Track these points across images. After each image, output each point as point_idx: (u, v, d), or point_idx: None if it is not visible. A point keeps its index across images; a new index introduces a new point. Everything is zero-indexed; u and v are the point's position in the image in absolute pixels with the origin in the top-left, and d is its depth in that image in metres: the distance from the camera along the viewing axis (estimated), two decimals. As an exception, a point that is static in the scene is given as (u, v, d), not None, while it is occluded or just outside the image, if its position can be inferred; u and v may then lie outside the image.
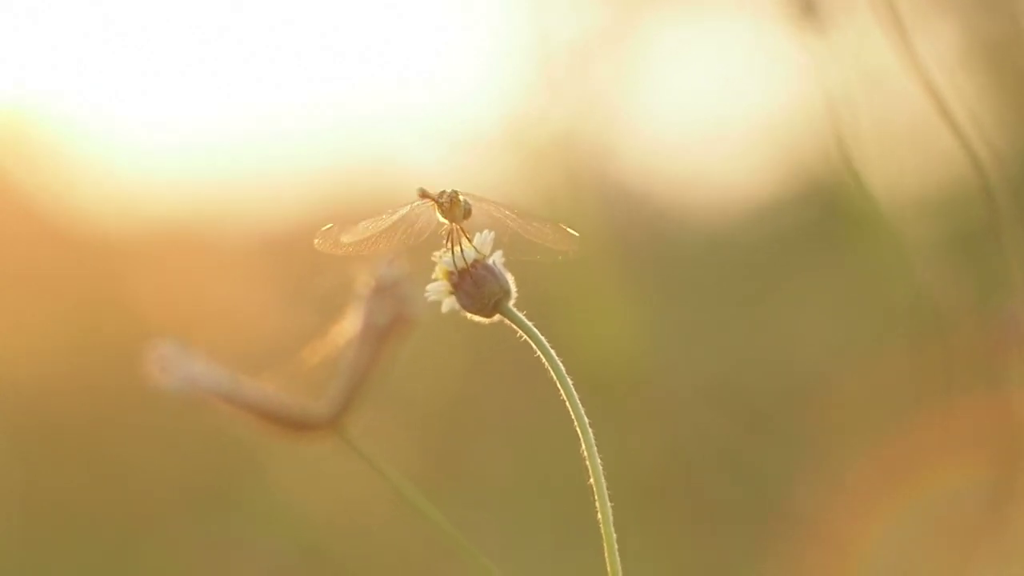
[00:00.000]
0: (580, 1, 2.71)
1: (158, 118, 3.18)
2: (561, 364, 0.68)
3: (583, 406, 0.68)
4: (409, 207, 0.74)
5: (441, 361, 2.30)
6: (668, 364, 2.31)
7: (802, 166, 2.89)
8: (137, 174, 3.06)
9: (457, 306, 0.71)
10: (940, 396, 1.52)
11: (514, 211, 0.74)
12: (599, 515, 0.67)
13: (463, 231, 0.73)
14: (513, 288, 0.71)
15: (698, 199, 3.23)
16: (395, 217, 0.75)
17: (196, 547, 2.24)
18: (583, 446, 0.67)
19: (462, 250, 0.71)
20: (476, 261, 0.71)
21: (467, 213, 0.73)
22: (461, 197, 0.74)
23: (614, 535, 0.67)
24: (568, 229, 0.74)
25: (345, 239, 0.75)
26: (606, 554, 0.67)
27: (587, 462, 0.67)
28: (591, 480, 0.67)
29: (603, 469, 0.67)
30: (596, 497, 0.67)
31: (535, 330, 0.69)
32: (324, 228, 0.75)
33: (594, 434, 0.68)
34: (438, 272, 0.72)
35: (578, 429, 0.67)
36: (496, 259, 0.71)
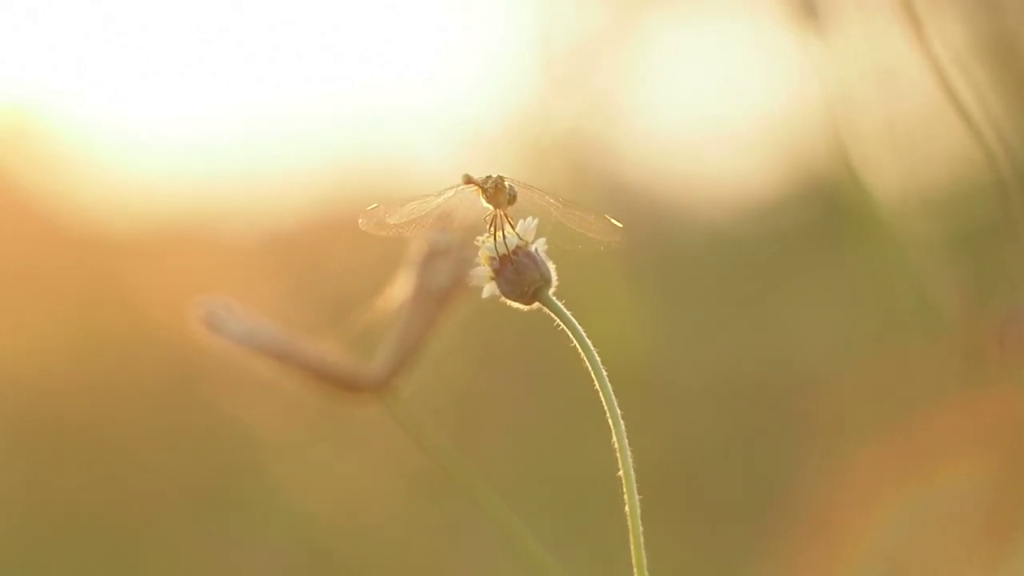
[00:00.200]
0: (582, 0, 2.71)
1: (160, 117, 3.18)
2: (597, 355, 0.68)
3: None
4: (454, 190, 0.74)
5: (447, 357, 2.30)
6: (670, 362, 2.31)
7: (804, 164, 2.89)
8: (139, 173, 3.06)
9: (497, 292, 0.71)
10: (943, 394, 1.52)
11: (558, 199, 0.74)
12: (627, 507, 0.67)
13: (507, 217, 0.72)
14: (554, 277, 0.71)
15: (700, 198, 3.23)
16: (439, 200, 0.74)
17: (198, 546, 2.24)
18: (614, 438, 0.67)
19: (504, 236, 0.71)
20: (518, 247, 0.71)
21: (512, 199, 0.73)
22: (507, 183, 0.73)
23: (640, 528, 0.67)
24: (612, 220, 0.74)
25: (390, 220, 0.74)
26: (632, 549, 0.67)
27: (617, 454, 0.67)
28: (620, 472, 0.67)
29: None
30: (625, 490, 0.67)
31: (573, 320, 0.69)
32: (369, 208, 0.75)
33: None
34: (480, 257, 0.71)
35: (610, 421, 0.67)
36: (539, 247, 0.71)
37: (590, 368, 0.68)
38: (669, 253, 3.01)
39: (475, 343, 2.39)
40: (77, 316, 2.76)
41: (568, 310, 0.70)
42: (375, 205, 0.74)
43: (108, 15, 3.16)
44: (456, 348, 2.27)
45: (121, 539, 2.35)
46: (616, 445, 0.67)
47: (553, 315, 0.70)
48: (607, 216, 0.74)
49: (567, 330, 0.69)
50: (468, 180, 0.74)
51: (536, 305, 0.71)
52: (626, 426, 0.68)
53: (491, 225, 0.72)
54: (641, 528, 0.67)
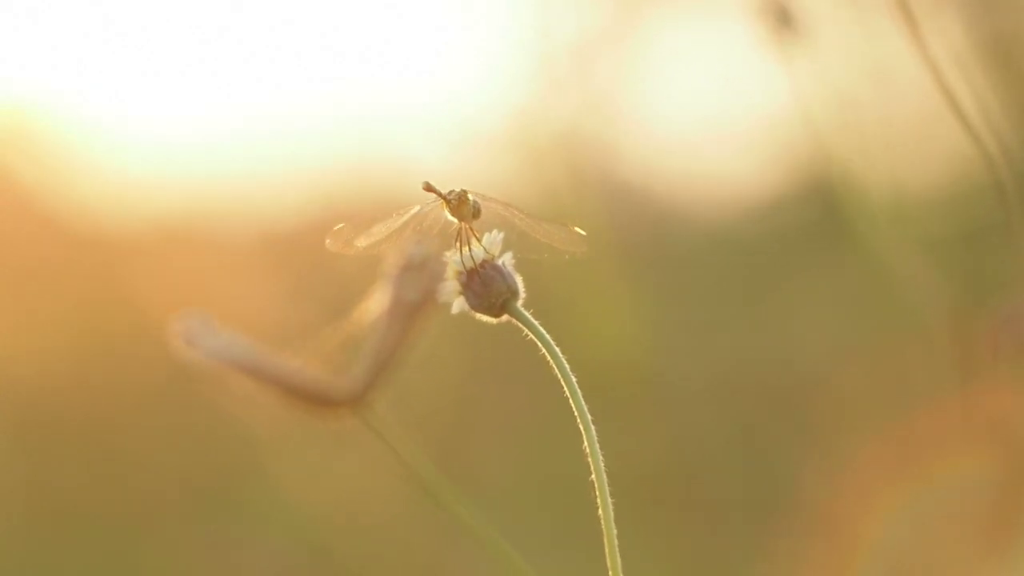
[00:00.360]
0: (582, 0, 2.71)
1: (160, 117, 3.18)
2: (566, 363, 0.68)
3: (585, 405, 0.68)
4: (419, 207, 0.74)
5: (439, 361, 2.30)
6: (670, 362, 2.31)
7: (804, 164, 2.89)
8: (139, 172, 3.06)
9: (466, 306, 0.71)
10: (942, 393, 1.52)
11: (523, 211, 0.74)
12: (600, 512, 0.67)
13: (472, 231, 0.73)
14: (521, 288, 0.71)
15: (699, 197, 3.23)
16: (406, 216, 0.75)
17: (198, 546, 2.24)
18: (586, 444, 0.68)
19: (471, 250, 0.72)
20: (485, 261, 0.71)
21: (476, 212, 0.73)
22: (470, 196, 0.74)
23: (615, 532, 0.67)
24: (576, 229, 0.74)
25: (359, 242, 0.75)
26: (607, 552, 0.67)
27: (589, 460, 0.67)
28: (592, 477, 0.67)
29: (604, 467, 0.67)
30: (598, 495, 0.67)
31: (542, 330, 0.69)
32: (336, 228, 0.75)
33: (596, 433, 0.68)
34: (448, 272, 0.72)
35: (581, 427, 0.67)
36: (506, 259, 0.72)
37: (560, 377, 0.68)
38: (669, 253, 3.01)
39: (467, 347, 2.39)
40: (77, 316, 2.76)
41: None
42: (341, 225, 0.74)
43: (108, 15, 3.16)
44: (448, 352, 2.27)
45: (121, 539, 2.35)
46: (588, 451, 0.67)
47: (522, 326, 0.70)
48: (572, 227, 0.74)
49: (536, 340, 0.69)
50: (428, 188, 0.74)
51: (505, 317, 0.71)
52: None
53: (457, 239, 0.72)
54: (615, 531, 0.67)
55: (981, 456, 1.42)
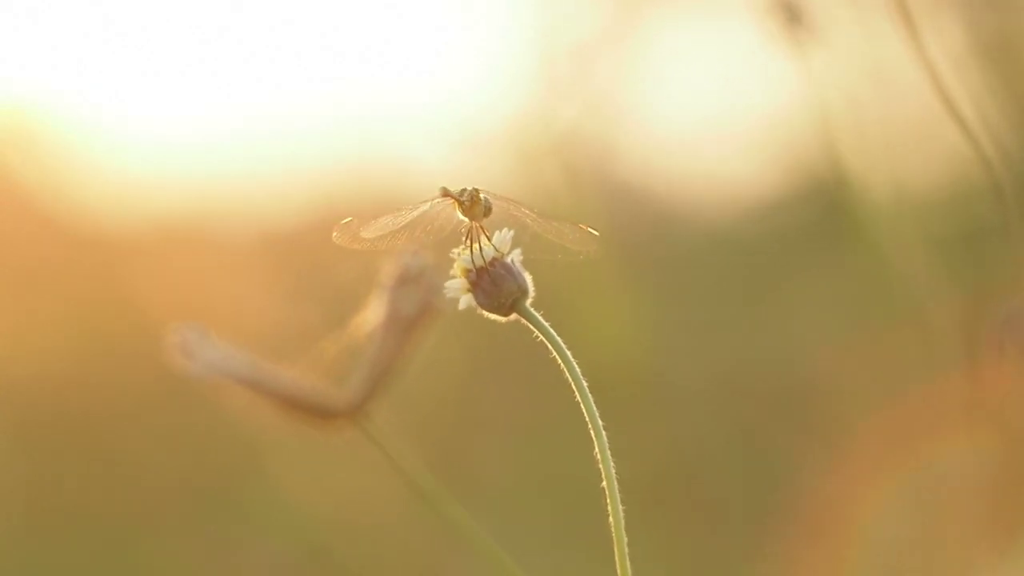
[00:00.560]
0: (582, 0, 2.71)
1: (160, 116, 3.18)
2: (576, 365, 0.68)
3: (579, 407, 0.68)
4: (429, 204, 0.74)
5: (440, 362, 2.30)
6: (670, 362, 2.31)
7: (804, 164, 2.89)
8: (139, 171, 3.06)
9: (474, 304, 0.71)
10: (942, 394, 1.52)
11: (534, 210, 0.74)
12: (611, 519, 0.67)
13: (483, 229, 0.73)
14: (531, 287, 0.71)
15: (700, 198, 3.23)
16: (415, 213, 0.74)
17: (197, 546, 2.24)
18: (596, 448, 0.67)
19: (481, 248, 0.71)
20: (495, 259, 0.71)
21: (487, 211, 0.73)
22: (482, 195, 0.74)
23: (625, 539, 0.66)
24: (588, 229, 0.74)
25: (365, 234, 0.74)
26: (616, 557, 0.67)
27: (595, 462, 0.67)
28: (603, 483, 0.67)
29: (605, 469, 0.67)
30: (608, 501, 0.67)
31: (551, 330, 0.69)
32: (343, 222, 0.75)
33: (590, 435, 0.67)
34: (456, 269, 0.71)
35: (592, 432, 0.67)
36: (515, 258, 0.71)
37: (570, 379, 0.68)
38: (669, 253, 3.01)
39: (469, 347, 2.39)
40: (77, 316, 2.76)
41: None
42: (349, 219, 0.74)
43: (108, 15, 3.16)
44: (446, 353, 2.27)
45: (121, 539, 2.35)
46: (599, 456, 0.67)
47: (531, 326, 0.70)
48: (583, 226, 0.74)
49: (546, 341, 0.69)
50: (445, 193, 0.74)
51: (514, 316, 0.71)
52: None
53: (467, 237, 0.72)
54: (625, 538, 0.67)
55: (982, 457, 1.42)
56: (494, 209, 0.73)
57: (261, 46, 3.22)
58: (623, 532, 0.66)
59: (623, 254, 2.29)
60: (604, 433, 0.67)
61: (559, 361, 0.68)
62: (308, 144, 3.06)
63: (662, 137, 3.06)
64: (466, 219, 0.73)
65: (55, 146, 2.95)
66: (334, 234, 0.74)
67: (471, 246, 0.71)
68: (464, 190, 0.74)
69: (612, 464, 0.66)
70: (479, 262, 0.71)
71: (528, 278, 0.71)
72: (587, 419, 0.67)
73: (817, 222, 2.73)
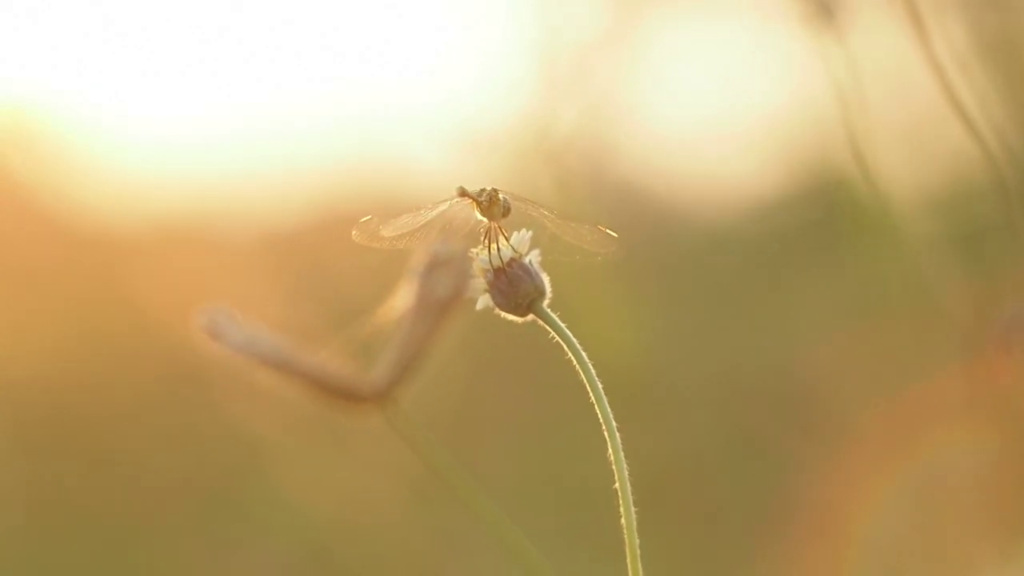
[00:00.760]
0: (582, 1, 2.71)
1: (160, 117, 3.18)
2: (592, 367, 0.68)
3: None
4: (448, 203, 0.74)
5: (444, 362, 2.30)
6: (670, 363, 2.31)
7: (805, 164, 2.89)
8: (139, 171, 3.06)
9: (491, 304, 0.71)
10: (943, 395, 1.52)
11: (553, 212, 0.74)
12: (623, 520, 0.67)
13: (501, 230, 0.73)
14: (548, 288, 0.71)
15: (700, 198, 3.23)
16: (434, 213, 0.75)
17: (198, 547, 2.24)
18: (610, 450, 0.67)
19: (499, 248, 0.71)
20: (512, 260, 0.71)
21: (506, 212, 0.73)
22: (501, 196, 0.74)
23: (637, 540, 0.66)
24: (607, 230, 0.74)
25: (384, 233, 0.75)
26: (628, 559, 0.66)
27: (608, 464, 0.67)
28: (611, 484, 0.67)
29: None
30: (621, 502, 0.67)
31: (568, 332, 0.69)
32: (362, 220, 0.75)
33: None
34: (474, 269, 0.71)
35: (606, 433, 0.67)
36: (533, 258, 0.71)
37: (585, 381, 0.68)
38: (669, 253, 3.01)
39: (478, 347, 2.39)
40: (77, 316, 2.76)
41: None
42: (369, 217, 0.74)
43: (108, 15, 3.16)
44: (460, 353, 2.27)
45: (121, 539, 2.35)
46: (612, 458, 0.67)
47: (548, 327, 0.70)
48: (602, 227, 0.74)
49: (562, 342, 0.69)
50: (463, 193, 0.74)
51: (531, 317, 0.71)
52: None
53: (485, 237, 0.72)
54: (638, 541, 0.66)
55: (983, 457, 1.42)
56: (512, 210, 0.73)
57: (261, 46, 3.23)
58: (635, 533, 0.66)
59: (623, 255, 2.29)
60: (618, 434, 0.67)
61: (575, 363, 0.68)
62: (308, 144, 3.06)
63: (662, 137, 3.06)
64: (484, 219, 0.73)
65: (55, 146, 2.95)
66: (353, 232, 0.75)
67: (489, 246, 0.71)
68: (483, 190, 0.74)
69: (626, 466, 0.66)
70: (497, 262, 0.71)
71: (546, 279, 0.71)
72: (601, 421, 0.67)
73: (817, 222, 2.73)
